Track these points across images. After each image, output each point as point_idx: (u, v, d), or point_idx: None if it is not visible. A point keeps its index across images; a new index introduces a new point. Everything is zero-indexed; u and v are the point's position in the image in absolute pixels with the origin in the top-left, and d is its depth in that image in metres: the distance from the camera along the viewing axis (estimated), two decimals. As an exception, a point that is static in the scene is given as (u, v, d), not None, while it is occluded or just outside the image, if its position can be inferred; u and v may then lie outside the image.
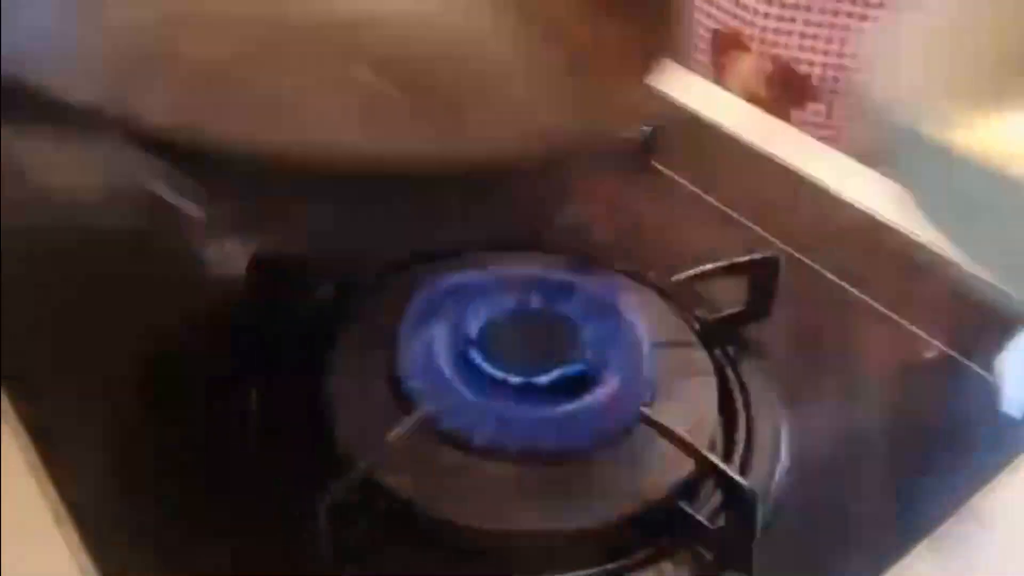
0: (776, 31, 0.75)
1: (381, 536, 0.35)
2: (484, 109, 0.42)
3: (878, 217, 0.54)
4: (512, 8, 0.44)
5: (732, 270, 0.45)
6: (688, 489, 0.38)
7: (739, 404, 0.42)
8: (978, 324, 0.45)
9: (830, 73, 0.75)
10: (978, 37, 0.40)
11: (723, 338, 0.45)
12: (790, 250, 0.50)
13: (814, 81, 0.76)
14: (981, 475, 0.40)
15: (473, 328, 0.41)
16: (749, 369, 0.44)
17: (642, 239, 0.50)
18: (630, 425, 0.39)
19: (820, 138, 0.62)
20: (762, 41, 0.76)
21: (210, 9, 0.43)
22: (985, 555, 0.38)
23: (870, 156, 0.54)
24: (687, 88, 0.64)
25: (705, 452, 0.37)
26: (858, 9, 0.72)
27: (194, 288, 0.45)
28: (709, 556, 0.37)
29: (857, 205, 0.55)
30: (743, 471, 0.39)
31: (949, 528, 0.38)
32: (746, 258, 0.45)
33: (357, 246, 0.45)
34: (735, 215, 0.53)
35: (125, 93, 0.34)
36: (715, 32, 0.79)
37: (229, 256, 0.44)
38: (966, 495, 0.39)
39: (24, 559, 0.35)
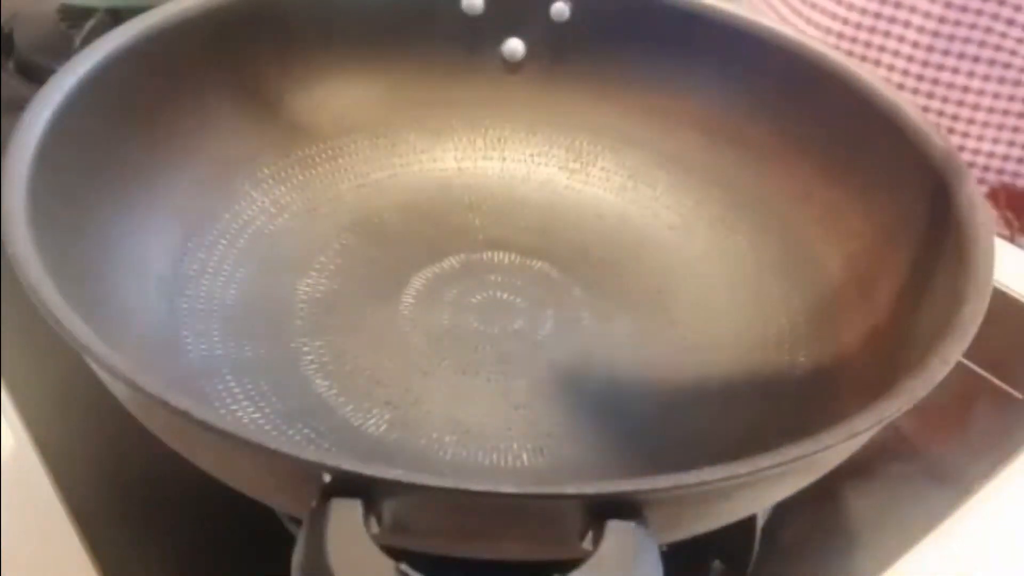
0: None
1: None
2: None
3: None
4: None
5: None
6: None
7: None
8: None
9: None
10: None
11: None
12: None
13: None
14: (982, 473, 0.41)
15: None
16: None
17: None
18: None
19: None
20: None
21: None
22: (984, 555, 0.38)
23: None
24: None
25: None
26: None
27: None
28: (710, 556, 0.37)
29: None
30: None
31: (949, 527, 0.39)
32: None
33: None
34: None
35: None
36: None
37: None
38: (966, 493, 0.40)
39: (24, 559, 0.35)
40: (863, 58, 0.61)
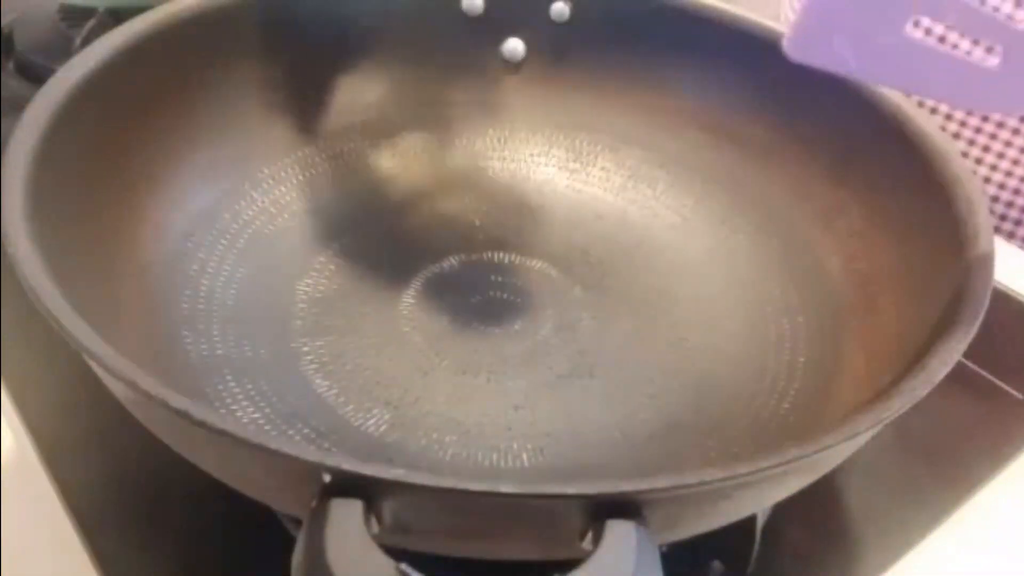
0: None
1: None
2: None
3: None
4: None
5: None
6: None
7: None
8: None
9: None
10: None
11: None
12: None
13: None
14: (982, 473, 0.41)
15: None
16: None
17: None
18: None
19: None
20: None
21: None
22: (984, 555, 0.38)
23: None
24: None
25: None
26: None
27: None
28: (710, 556, 0.36)
29: None
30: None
31: (949, 527, 0.38)
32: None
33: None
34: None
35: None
36: None
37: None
38: (966, 493, 0.40)
39: (24, 559, 0.35)
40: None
